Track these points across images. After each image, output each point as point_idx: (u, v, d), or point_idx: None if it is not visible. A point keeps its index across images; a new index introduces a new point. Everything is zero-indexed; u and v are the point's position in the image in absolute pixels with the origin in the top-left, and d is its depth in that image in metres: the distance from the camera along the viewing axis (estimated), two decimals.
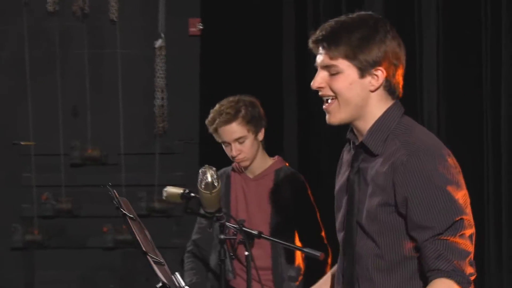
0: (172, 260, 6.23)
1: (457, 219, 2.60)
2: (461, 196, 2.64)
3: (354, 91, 2.69)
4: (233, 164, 4.24)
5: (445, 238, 2.59)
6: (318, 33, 2.70)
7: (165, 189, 3.74)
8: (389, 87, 2.72)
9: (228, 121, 4.05)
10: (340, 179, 2.89)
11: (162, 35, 6.10)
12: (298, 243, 4.07)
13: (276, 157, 4.25)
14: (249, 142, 4.06)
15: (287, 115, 5.78)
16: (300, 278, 4.08)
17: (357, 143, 2.78)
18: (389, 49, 2.68)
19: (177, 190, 3.68)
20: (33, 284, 6.40)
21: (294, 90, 5.84)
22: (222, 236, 3.17)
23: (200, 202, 3.18)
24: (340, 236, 2.87)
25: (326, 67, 2.69)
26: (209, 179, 3.10)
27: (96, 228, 6.31)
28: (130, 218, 2.93)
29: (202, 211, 4.17)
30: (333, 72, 2.68)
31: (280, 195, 4.10)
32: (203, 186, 3.11)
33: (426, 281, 2.65)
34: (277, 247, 3.97)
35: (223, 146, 4.13)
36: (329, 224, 4.06)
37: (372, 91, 2.70)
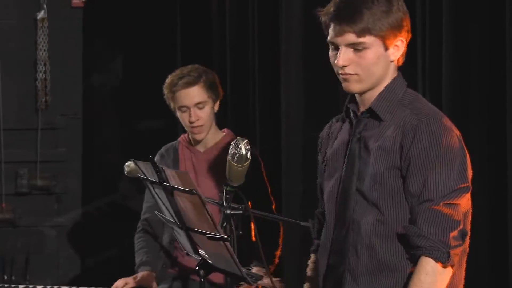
0: (55, 238, 6.13)
1: (454, 188, 2.64)
2: (466, 165, 2.69)
3: (380, 64, 2.73)
4: (181, 138, 4.15)
5: (435, 207, 2.62)
6: (336, 11, 2.69)
7: (127, 163, 3.60)
8: (403, 54, 2.78)
9: (191, 84, 3.96)
10: (332, 148, 2.88)
11: (44, 6, 5.88)
12: None
13: (225, 129, 4.18)
14: (208, 109, 3.98)
15: None
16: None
17: (361, 110, 2.80)
18: (405, 16, 2.74)
19: None
20: None
21: (179, 62, 5.79)
22: (228, 212, 3.04)
23: (227, 176, 3.04)
24: (329, 204, 2.86)
25: (351, 44, 2.68)
26: (243, 151, 2.94)
27: None
28: (189, 192, 2.74)
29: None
30: (359, 48, 2.69)
31: None
32: (235, 159, 2.94)
33: None
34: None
35: (179, 113, 4.00)
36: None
37: (392, 61, 2.76)
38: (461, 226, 2.65)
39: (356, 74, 2.72)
